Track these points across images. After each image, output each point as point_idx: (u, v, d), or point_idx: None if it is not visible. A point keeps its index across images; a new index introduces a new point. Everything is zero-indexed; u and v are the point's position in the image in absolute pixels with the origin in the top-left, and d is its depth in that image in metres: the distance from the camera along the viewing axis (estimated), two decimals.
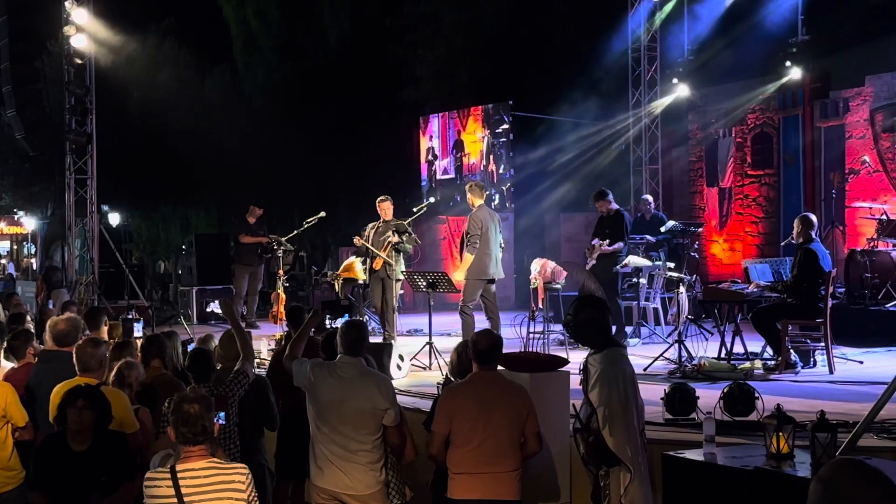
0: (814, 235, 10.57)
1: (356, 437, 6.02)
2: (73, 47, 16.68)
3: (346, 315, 11.20)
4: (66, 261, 17.88)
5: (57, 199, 22.59)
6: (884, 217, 13.35)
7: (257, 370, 7.43)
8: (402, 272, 12.31)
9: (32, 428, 6.87)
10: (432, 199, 15.57)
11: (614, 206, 12.75)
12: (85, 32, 16.67)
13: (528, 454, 6.04)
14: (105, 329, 9.09)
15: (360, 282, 13.70)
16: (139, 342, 8.73)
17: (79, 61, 16.80)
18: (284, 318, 13.89)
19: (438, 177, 21.38)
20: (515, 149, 19.75)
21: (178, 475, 4.69)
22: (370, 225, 12.71)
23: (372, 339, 8.65)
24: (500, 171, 19.86)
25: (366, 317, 13.29)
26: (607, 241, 12.39)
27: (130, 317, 11.87)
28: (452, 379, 6.66)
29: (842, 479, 2.89)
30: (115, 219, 29.16)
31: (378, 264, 12.30)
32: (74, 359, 6.77)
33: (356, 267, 13.47)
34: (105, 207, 26.39)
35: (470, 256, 11.38)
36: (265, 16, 25.32)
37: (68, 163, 17.22)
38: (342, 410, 6.01)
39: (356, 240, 12.63)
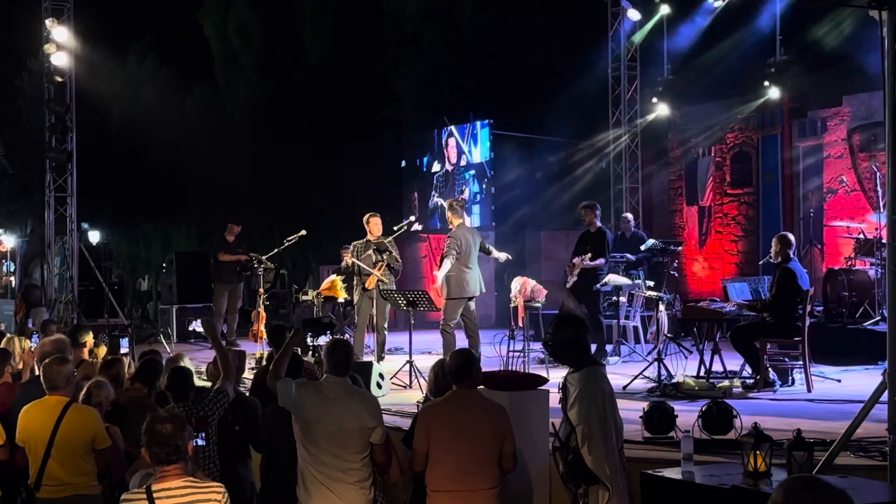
0: (792, 255, 10.65)
1: (344, 457, 6.01)
2: (54, 65, 16.64)
3: (328, 333, 11.20)
4: (46, 279, 17.78)
5: (36, 217, 22.46)
6: (861, 236, 13.44)
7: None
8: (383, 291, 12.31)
9: (9, 448, 6.83)
10: (412, 218, 15.58)
11: (598, 223, 12.82)
12: (65, 50, 16.63)
13: (500, 474, 6.05)
14: (86, 349, 9.06)
15: (341, 300, 13.69)
16: (127, 358, 8.74)
17: (59, 79, 16.76)
18: (265, 336, 13.92)
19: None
20: (496, 167, 19.79)
21: (155, 494, 4.68)
22: (355, 244, 12.68)
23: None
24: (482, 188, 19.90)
25: (346, 335, 13.28)
26: (589, 255, 12.42)
27: (116, 333, 11.80)
28: (431, 398, 6.67)
29: (796, 498, 2.89)
30: (94, 236, 29.03)
31: (371, 283, 12.28)
32: (42, 377, 6.73)
33: (337, 285, 13.46)
34: (85, 225, 26.25)
35: (449, 262, 11.37)
36: (246, 33, 25.31)
37: (48, 181, 17.15)
38: (329, 430, 6.00)
39: (348, 258, 12.54)
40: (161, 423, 4.77)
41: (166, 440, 4.73)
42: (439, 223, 20.71)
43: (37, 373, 7.79)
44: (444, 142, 21.06)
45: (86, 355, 8.97)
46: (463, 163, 20.56)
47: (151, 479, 4.85)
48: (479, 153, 20.07)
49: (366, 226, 12.65)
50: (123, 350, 9.81)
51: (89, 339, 9.47)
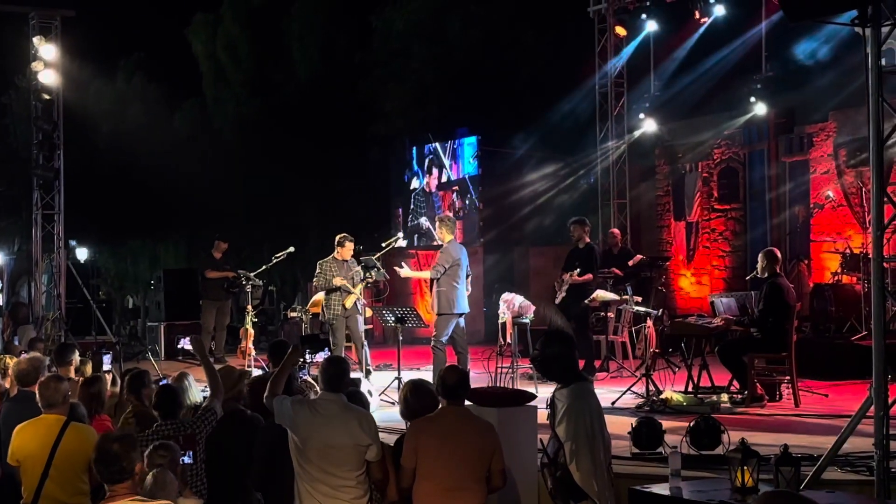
0: (778, 270, 10.69)
1: (339, 474, 6.00)
2: (41, 83, 16.63)
3: (326, 350, 11.19)
4: (33, 297, 17.74)
5: (24, 235, 22.41)
6: (848, 251, 13.50)
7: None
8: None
9: None
10: (400, 235, 15.59)
11: (588, 238, 12.87)
12: (53, 68, 16.62)
13: (490, 490, 6.04)
14: (72, 367, 9.03)
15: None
16: (109, 376, 8.70)
17: (46, 97, 16.74)
18: (253, 352, 13.91)
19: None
20: (484, 182, 19.83)
21: None
22: (324, 263, 12.59)
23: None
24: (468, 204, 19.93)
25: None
26: (577, 270, 12.45)
27: (99, 350, 11.75)
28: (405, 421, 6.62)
29: None
30: (82, 254, 28.95)
31: (350, 302, 12.28)
32: (38, 396, 6.71)
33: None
34: (73, 242, 26.21)
35: (428, 273, 11.41)
36: (235, 50, 25.34)
37: (35, 198, 17.12)
38: (322, 447, 6.00)
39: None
40: (109, 443, 4.82)
41: (112, 459, 4.77)
42: (417, 241, 20.75)
43: (15, 392, 7.75)
44: (425, 159, 21.05)
45: (72, 374, 8.93)
46: (444, 179, 20.56)
47: (101, 499, 4.88)
48: (463, 169, 20.07)
49: (338, 246, 12.62)
50: (106, 368, 9.75)
51: (76, 357, 9.43)
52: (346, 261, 12.57)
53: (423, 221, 20.28)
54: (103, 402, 7.53)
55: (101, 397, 7.56)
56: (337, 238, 12.71)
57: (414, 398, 6.28)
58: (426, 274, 11.44)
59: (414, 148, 21.33)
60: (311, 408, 6.12)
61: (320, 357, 10.33)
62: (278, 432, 6.26)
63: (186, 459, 6.21)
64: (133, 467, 4.82)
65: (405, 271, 12.19)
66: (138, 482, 4.91)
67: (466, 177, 19.82)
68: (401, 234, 14.89)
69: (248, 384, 7.23)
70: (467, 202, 19.76)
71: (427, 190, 20.99)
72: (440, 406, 6.17)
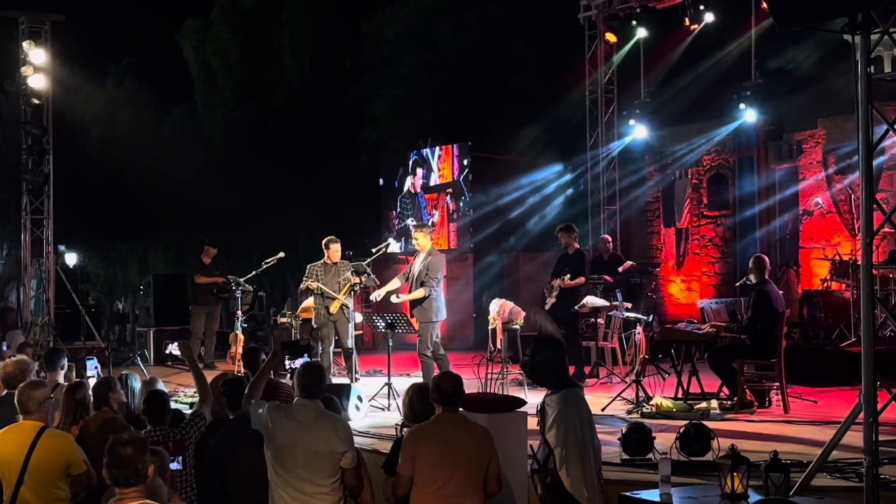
0: (767, 276, 10.72)
1: (313, 480, 6.00)
2: (31, 87, 16.59)
3: (306, 356, 11.16)
4: (22, 301, 17.68)
5: (13, 240, 22.34)
6: (837, 258, 13.54)
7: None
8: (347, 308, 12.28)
9: None
10: (390, 240, 15.59)
11: (576, 244, 12.89)
12: (42, 72, 16.59)
13: (486, 496, 6.05)
14: (62, 372, 9.00)
15: None
16: (93, 381, 8.66)
17: (36, 101, 16.70)
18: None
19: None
20: (475, 188, 19.84)
21: None
22: (314, 267, 12.55)
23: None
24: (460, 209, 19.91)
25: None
26: (568, 276, 12.46)
27: (83, 356, 11.70)
28: (408, 424, 6.65)
29: None
30: (71, 259, 28.84)
31: (334, 307, 12.22)
32: (16, 401, 6.68)
33: None
34: (62, 247, 26.11)
35: (422, 293, 11.39)
36: (226, 56, 25.31)
37: (24, 203, 17.07)
38: (298, 453, 5.99)
39: (311, 284, 12.47)
40: (122, 446, 4.78)
41: (126, 462, 4.74)
42: (405, 246, 20.68)
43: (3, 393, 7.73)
44: (410, 163, 21.00)
45: (61, 379, 8.90)
46: (433, 182, 20.52)
47: (111, 500, 4.85)
48: (454, 173, 20.04)
49: (325, 249, 12.58)
50: (90, 374, 9.71)
51: (65, 362, 9.40)
52: (336, 264, 12.46)
53: (410, 222, 20.24)
54: (88, 407, 7.50)
55: (86, 403, 7.53)
56: (323, 241, 12.67)
57: (419, 401, 6.29)
58: (421, 293, 11.40)
59: (408, 153, 21.28)
60: (287, 414, 6.12)
61: (299, 363, 10.32)
62: (245, 437, 6.25)
63: (175, 465, 6.19)
64: (146, 470, 4.80)
65: (401, 298, 12.06)
66: (148, 486, 4.90)
67: (461, 180, 19.80)
68: (391, 240, 14.86)
69: (221, 386, 7.22)
70: (461, 205, 19.72)
71: (412, 191, 20.94)
72: (436, 413, 6.17)
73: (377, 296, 12.13)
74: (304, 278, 12.49)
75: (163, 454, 5.78)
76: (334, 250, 12.50)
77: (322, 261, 12.51)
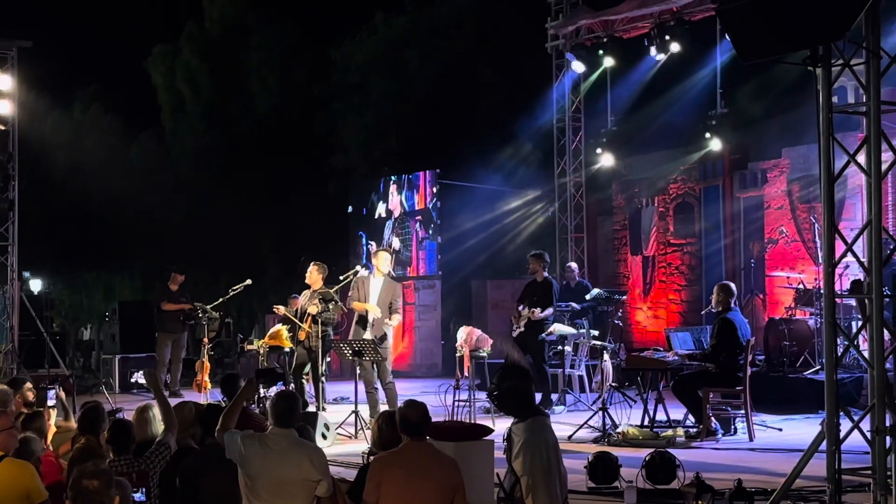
0: (733, 304, 10.80)
1: None
2: None
3: (281, 384, 11.12)
4: None
5: None
6: (801, 286, 13.65)
7: None
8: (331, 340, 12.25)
9: None
10: (358, 267, 15.53)
11: (546, 273, 12.94)
12: (8, 98, 16.50)
13: None
14: (20, 401, 8.90)
15: (287, 349, 13.58)
16: (52, 412, 8.58)
17: (2, 127, 16.58)
18: (209, 386, 13.78)
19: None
20: (442, 215, 19.86)
21: None
22: (303, 294, 12.57)
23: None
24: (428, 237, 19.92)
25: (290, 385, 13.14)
26: (538, 308, 12.52)
27: (44, 385, 11.54)
28: (376, 451, 6.62)
29: None
30: (36, 285, 28.64)
31: (302, 335, 12.20)
32: None
33: (283, 335, 13.35)
34: (26, 274, 25.92)
35: (398, 319, 11.47)
36: (194, 82, 25.31)
37: None
38: (272, 482, 5.95)
39: (277, 308, 12.47)
40: (88, 479, 4.74)
41: (91, 496, 4.70)
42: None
43: None
44: (390, 185, 20.96)
45: (23, 408, 8.81)
46: (404, 210, 20.49)
47: None
48: (422, 201, 20.04)
49: (307, 276, 12.52)
50: (50, 403, 9.59)
51: (27, 389, 9.31)
52: (315, 291, 12.29)
53: (395, 242, 20.16)
54: (45, 436, 7.43)
55: (43, 432, 7.46)
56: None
57: (389, 429, 6.26)
58: (397, 320, 11.52)
59: (377, 179, 21.25)
60: (262, 443, 6.08)
61: (274, 391, 10.28)
62: (218, 465, 6.20)
63: (139, 497, 6.13)
64: (112, 503, 4.76)
65: (392, 323, 12.01)
66: None
67: (430, 206, 19.79)
68: (359, 267, 14.79)
69: (197, 414, 7.16)
70: (430, 231, 19.71)
71: (394, 213, 20.82)
72: (403, 442, 6.15)
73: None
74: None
75: (125, 485, 5.72)
76: (309, 274, 12.36)
77: (312, 289, 12.35)
